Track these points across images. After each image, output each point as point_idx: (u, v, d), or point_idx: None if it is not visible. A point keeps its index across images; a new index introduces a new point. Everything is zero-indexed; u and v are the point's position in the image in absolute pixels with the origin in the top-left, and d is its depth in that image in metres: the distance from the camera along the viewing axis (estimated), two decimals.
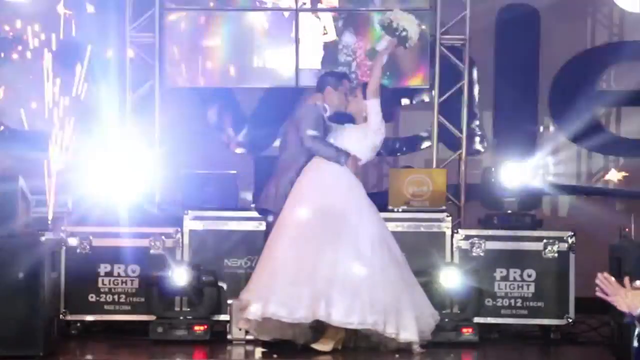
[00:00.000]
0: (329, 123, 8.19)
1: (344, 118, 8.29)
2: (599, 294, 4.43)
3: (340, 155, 7.97)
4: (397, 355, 7.71)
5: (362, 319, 7.59)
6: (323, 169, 8.00)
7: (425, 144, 11.14)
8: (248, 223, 8.81)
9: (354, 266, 7.67)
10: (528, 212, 9.15)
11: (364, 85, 8.24)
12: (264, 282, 7.72)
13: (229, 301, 8.35)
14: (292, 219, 7.84)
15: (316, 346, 7.77)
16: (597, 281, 4.39)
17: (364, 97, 8.13)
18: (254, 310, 7.65)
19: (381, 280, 7.70)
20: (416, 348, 7.77)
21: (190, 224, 8.81)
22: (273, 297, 7.60)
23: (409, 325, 7.68)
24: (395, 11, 8.13)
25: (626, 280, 4.47)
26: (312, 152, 8.05)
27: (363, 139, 8.09)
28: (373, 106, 8.08)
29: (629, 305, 4.36)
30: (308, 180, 7.99)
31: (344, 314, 7.57)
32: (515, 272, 8.82)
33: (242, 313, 7.83)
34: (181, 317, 8.47)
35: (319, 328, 7.81)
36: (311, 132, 7.96)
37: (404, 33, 8.02)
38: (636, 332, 4.57)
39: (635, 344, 4.59)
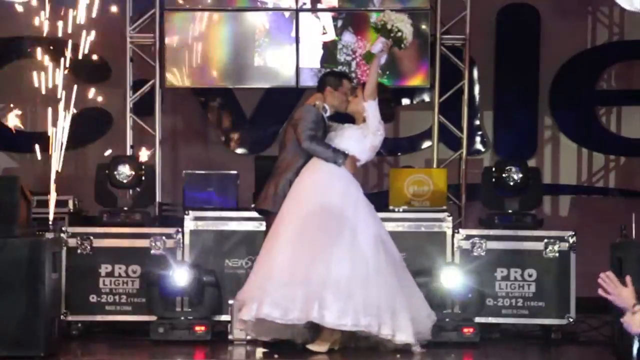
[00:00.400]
0: (329, 123, 8.18)
1: (344, 118, 8.28)
2: (601, 292, 4.43)
3: (338, 156, 7.94)
4: (397, 355, 7.70)
5: (355, 321, 7.56)
6: (321, 170, 7.97)
7: (426, 144, 11.15)
8: (248, 223, 8.80)
9: (348, 268, 7.63)
10: (529, 211, 9.14)
11: (364, 85, 8.22)
12: (258, 282, 7.70)
13: (230, 301, 8.34)
14: (288, 220, 7.81)
15: (311, 347, 7.75)
16: (600, 281, 4.39)
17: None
18: (248, 311, 7.64)
19: (376, 281, 7.67)
20: (416, 348, 7.76)
21: (191, 224, 8.80)
22: (267, 298, 7.57)
23: (404, 326, 7.65)
24: (388, 12, 8.06)
25: (627, 279, 4.47)
26: (310, 153, 8.02)
27: (362, 139, 8.06)
28: (370, 108, 8.05)
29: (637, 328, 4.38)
30: (305, 181, 7.96)
31: (337, 316, 7.54)
32: (516, 272, 8.81)
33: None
34: (182, 318, 8.46)
35: (316, 328, 7.79)
36: (308, 133, 7.94)
37: (399, 34, 7.98)
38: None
39: (637, 344, 4.58)
